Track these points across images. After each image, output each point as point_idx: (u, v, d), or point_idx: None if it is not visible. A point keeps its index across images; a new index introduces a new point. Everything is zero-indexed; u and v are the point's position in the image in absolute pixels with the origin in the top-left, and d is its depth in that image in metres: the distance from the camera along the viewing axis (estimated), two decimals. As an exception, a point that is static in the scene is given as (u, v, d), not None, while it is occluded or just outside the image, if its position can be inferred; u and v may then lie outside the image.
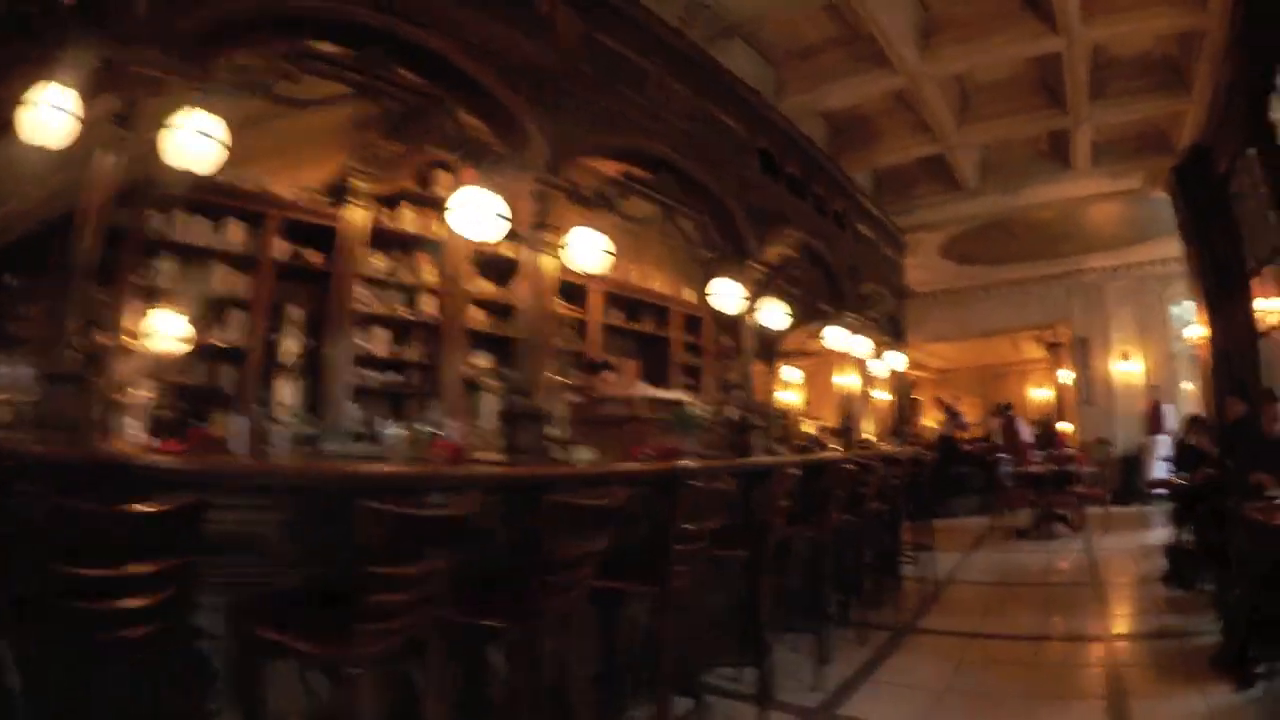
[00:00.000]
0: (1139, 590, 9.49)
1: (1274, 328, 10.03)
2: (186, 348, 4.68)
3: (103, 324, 3.87)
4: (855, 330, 9.93)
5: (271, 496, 3.43)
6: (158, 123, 4.05)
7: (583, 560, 3.46)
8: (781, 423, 10.07)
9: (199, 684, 3.03)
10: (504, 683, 3.57)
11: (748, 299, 7.41)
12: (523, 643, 3.35)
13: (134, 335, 4.05)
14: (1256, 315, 10.36)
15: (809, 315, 10.33)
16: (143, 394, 4.13)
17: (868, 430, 11.23)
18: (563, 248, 5.91)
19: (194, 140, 4.16)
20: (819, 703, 5.69)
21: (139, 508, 2.52)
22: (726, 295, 7.25)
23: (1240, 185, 10.38)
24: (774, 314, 8.25)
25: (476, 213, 5.02)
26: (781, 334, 11.38)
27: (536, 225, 5.23)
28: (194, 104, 4.13)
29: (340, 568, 2.77)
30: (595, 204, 6.28)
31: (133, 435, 3.93)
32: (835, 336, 9.61)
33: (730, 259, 7.40)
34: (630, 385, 9.31)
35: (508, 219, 5.16)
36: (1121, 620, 8.22)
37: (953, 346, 25.08)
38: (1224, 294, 11.35)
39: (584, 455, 5.35)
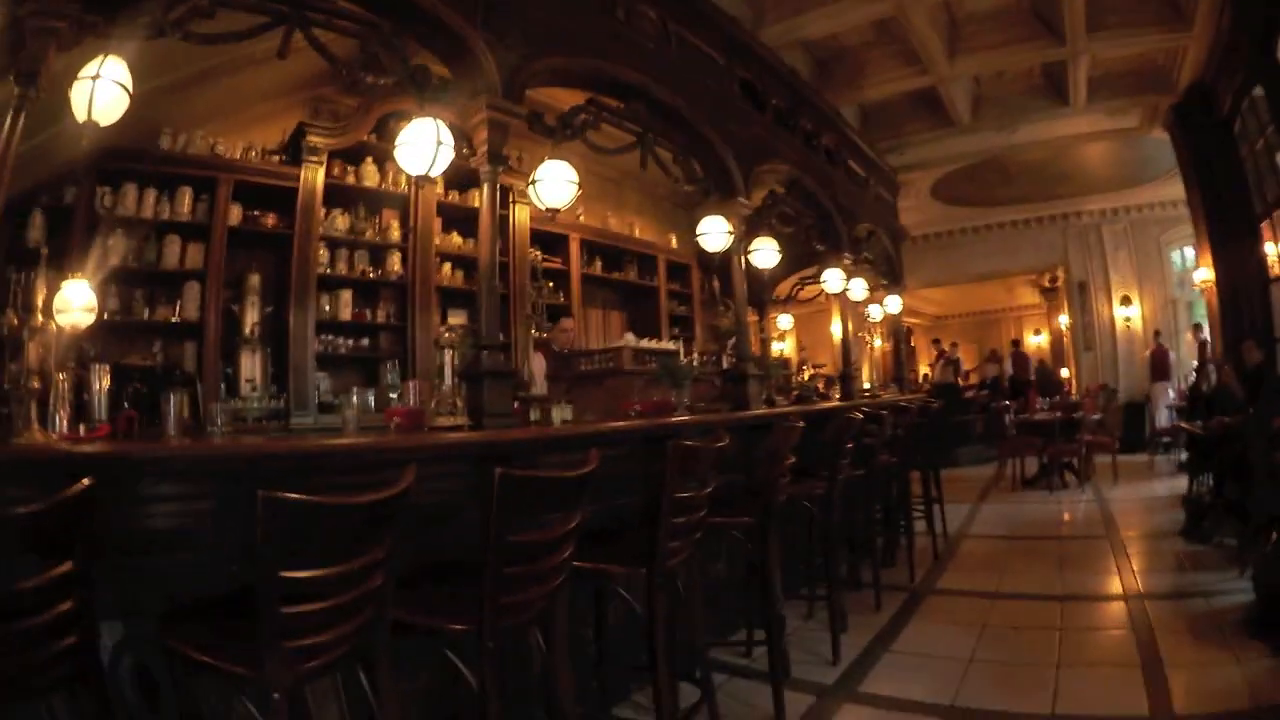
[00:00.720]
0: (1157, 544, 8.98)
1: None
2: (90, 319, 4.06)
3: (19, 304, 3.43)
4: (851, 272, 9.43)
5: (196, 483, 2.87)
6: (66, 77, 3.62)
7: (554, 544, 2.84)
8: (781, 372, 9.53)
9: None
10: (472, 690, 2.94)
11: (737, 237, 6.81)
12: (488, 645, 2.73)
13: (52, 313, 3.47)
14: (1269, 260, 10.17)
15: (803, 257, 9.92)
16: (61, 377, 3.54)
17: (869, 378, 10.79)
18: (529, 184, 5.31)
19: (104, 90, 3.64)
20: (836, 679, 5.21)
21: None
22: (714, 233, 6.63)
23: (1244, 126, 10.59)
24: (766, 253, 7.66)
25: (424, 148, 4.39)
26: (775, 279, 10.95)
27: (492, 157, 4.56)
28: (104, 53, 3.66)
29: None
30: (560, 134, 5.58)
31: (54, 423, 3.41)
32: (833, 279, 9.09)
33: (715, 194, 6.80)
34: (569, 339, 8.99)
35: (458, 151, 4.58)
36: (1144, 577, 7.62)
37: (946, 292, 24.96)
38: (1231, 238, 11.25)
39: (562, 415, 4.78)
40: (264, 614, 2.07)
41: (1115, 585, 7.40)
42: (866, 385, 10.44)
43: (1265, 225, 10.44)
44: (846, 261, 9.22)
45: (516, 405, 4.58)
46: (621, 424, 4.91)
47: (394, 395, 4.90)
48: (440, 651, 2.70)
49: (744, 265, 7.24)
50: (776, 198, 8.37)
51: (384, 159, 8.26)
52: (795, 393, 8.61)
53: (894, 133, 13.22)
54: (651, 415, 5.49)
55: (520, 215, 9.57)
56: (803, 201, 8.86)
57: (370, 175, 8.30)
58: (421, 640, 2.70)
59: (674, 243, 12.28)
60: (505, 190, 9.10)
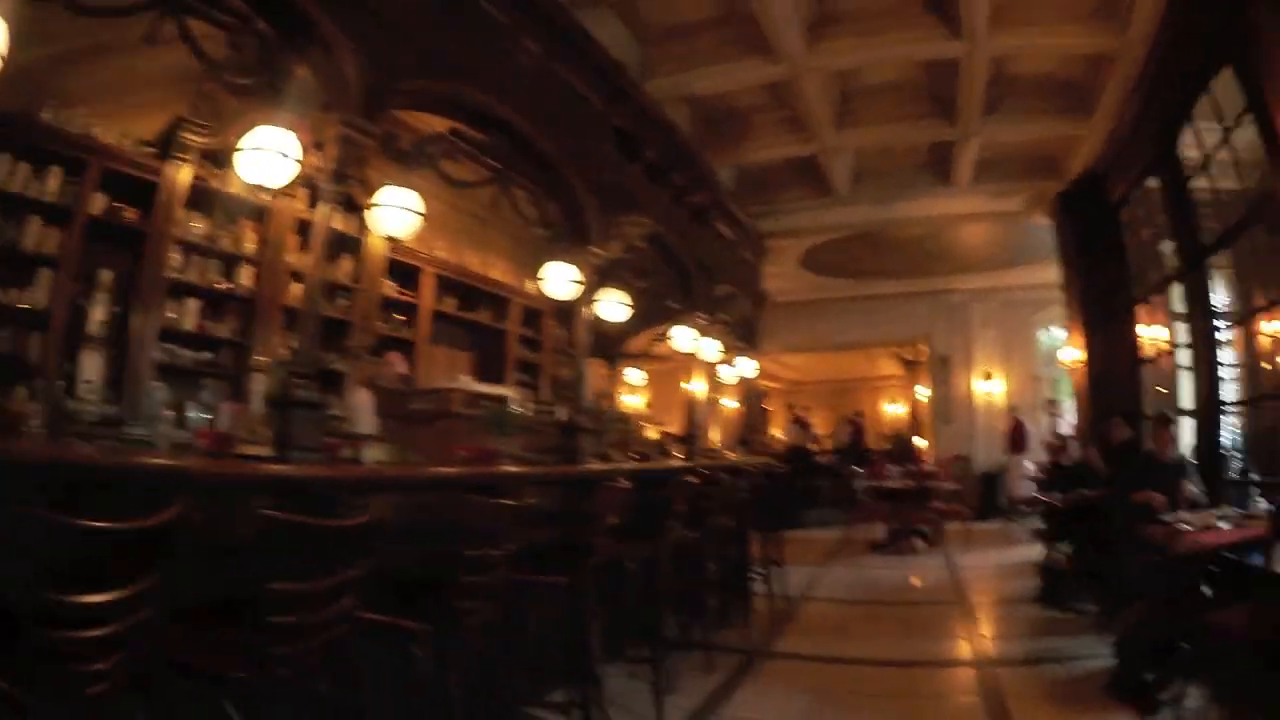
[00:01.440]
0: (1012, 610, 9.16)
1: (1162, 353, 10.21)
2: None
3: None
4: (705, 332, 9.33)
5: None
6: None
7: (328, 595, 2.64)
8: (620, 426, 9.46)
9: None
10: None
11: (585, 286, 6.66)
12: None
13: None
14: (1140, 341, 10.81)
15: (656, 313, 9.71)
16: None
17: (715, 439, 10.73)
18: (371, 207, 5.09)
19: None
20: (662, 742, 5.03)
21: None
22: (560, 280, 6.49)
23: (1132, 215, 10.99)
24: (613, 306, 7.48)
25: (268, 157, 4.17)
26: (626, 333, 10.86)
27: (337, 175, 4.35)
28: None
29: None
30: (413, 160, 5.40)
31: None
32: (683, 337, 9.00)
33: (569, 241, 6.63)
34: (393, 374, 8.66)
35: (301, 163, 4.37)
36: (998, 643, 7.73)
37: (806, 358, 25.25)
38: (1106, 319, 11.59)
39: (375, 455, 4.57)
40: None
41: (965, 650, 7.50)
42: (715, 445, 10.39)
43: (1141, 309, 10.86)
44: (701, 321, 9.15)
45: (332, 440, 4.37)
46: (426, 471, 4.71)
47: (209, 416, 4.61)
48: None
49: (591, 316, 7.12)
50: (634, 251, 8.29)
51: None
52: (640, 451, 8.47)
53: (769, 198, 13.20)
54: (476, 463, 5.33)
55: (377, 242, 9.18)
56: (663, 257, 8.81)
57: (237, 181, 7.61)
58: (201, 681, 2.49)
59: (529, 286, 12.07)
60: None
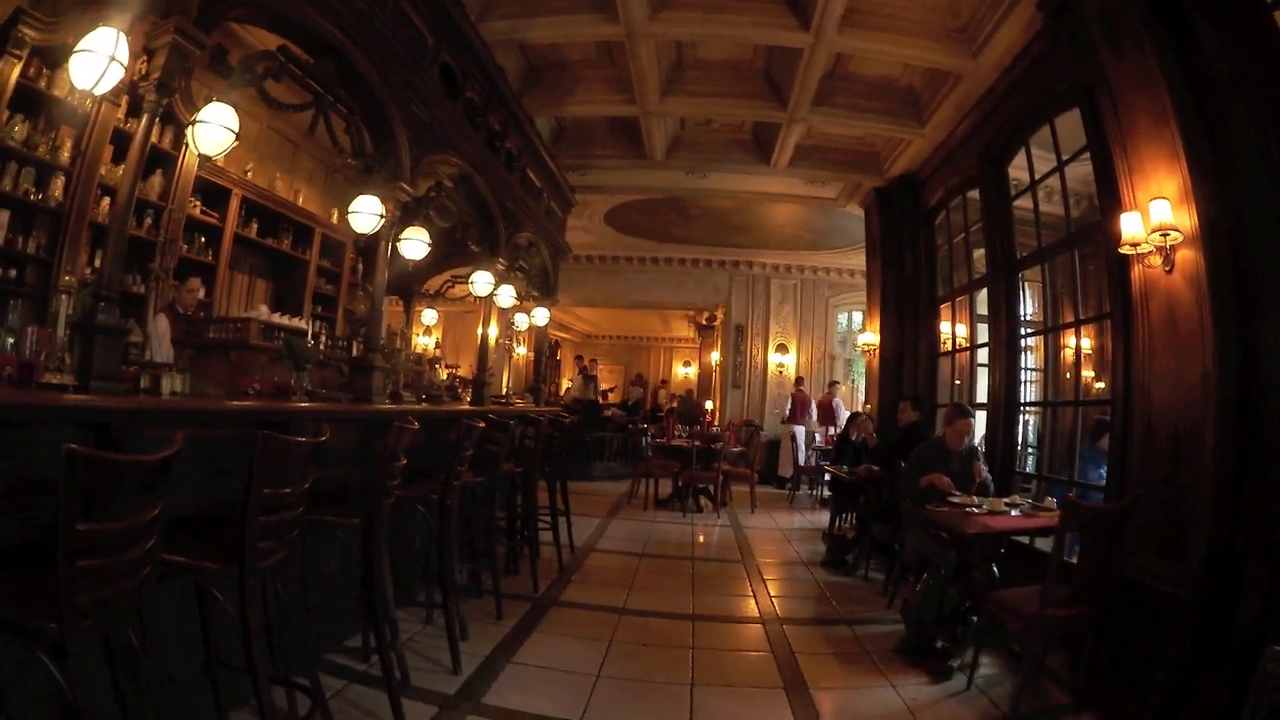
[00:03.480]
0: (796, 571, 9.49)
1: (960, 350, 10.85)
2: None
3: None
4: (503, 278, 9.33)
5: None
6: None
7: (134, 535, 2.49)
8: (409, 366, 9.29)
9: None
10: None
11: (390, 222, 6.52)
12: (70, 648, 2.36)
13: None
14: (941, 336, 11.55)
15: (455, 254, 9.80)
16: None
17: (506, 386, 10.73)
18: (194, 123, 4.80)
19: None
20: (458, 689, 5.08)
21: None
22: (366, 214, 6.29)
23: (948, 220, 11.53)
24: (416, 245, 7.48)
25: (97, 60, 3.88)
26: (423, 272, 10.77)
27: (161, 85, 4.10)
28: None
29: None
30: (239, 78, 5.16)
31: None
32: (481, 281, 8.93)
33: (380, 174, 6.42)
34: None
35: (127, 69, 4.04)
36: (783, 602, 8.00)
37: (601, 313, 25.80)
38: (906, 312, 12.31)
39: (173, 386, 4.38)
40: None
41: (752, 608, 7.70)
42: (504, 392, 10.38)
43: (945, 307, 11.49)
44: (500, 266, 9.10)
45: (130, 369, 4.16)
46: (223, 405, 4.50)
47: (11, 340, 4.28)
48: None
49: (390, 252, 6.99)
50: (441, 190, 8.16)
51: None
52: (432, 392, 8.42)
53: (583, 153, 13.05)
54: (269, 396, 5.22)
55: (190, 160, 8.81)
56: (468, 199, 8.71)
57: (64, 83, 7.10)
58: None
59: (335, 218, 11.72)
60: (179, 126, 8.14)
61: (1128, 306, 6.24)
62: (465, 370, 12.44)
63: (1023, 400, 9.27)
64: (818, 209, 15.94)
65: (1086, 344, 9.57)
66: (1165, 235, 5.52)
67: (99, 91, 4.08)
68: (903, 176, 12.30)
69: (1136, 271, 6.05)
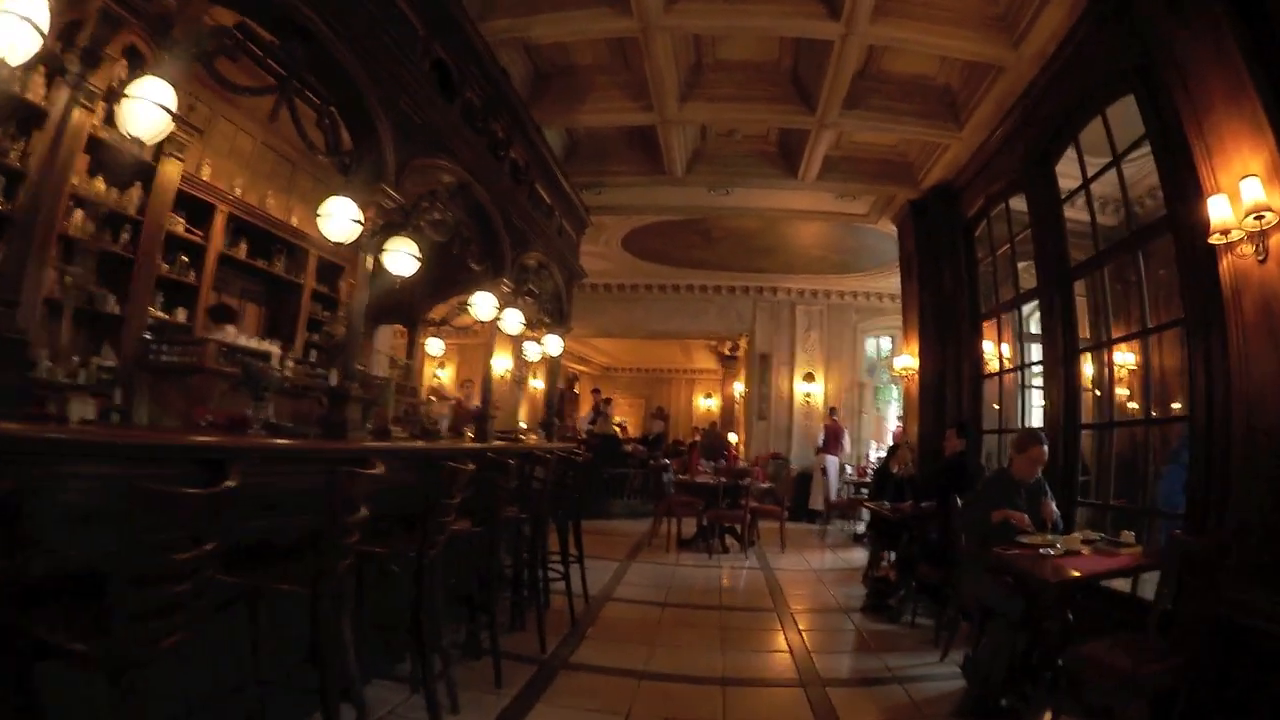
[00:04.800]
0: (837, 621, 8.63)
1: (1005, 370, 10.45)
2: None
3: None
4: (509, 302, 8.45)
5: None
6: None
7: None
8: (410, 399, 8.48)
9: None
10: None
11: (371, 230, 5.56)
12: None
13: None
14: (984, 357, 10.84)
15: (456, 274, 8.84)
16: None
17: (521, 420, 9.92)
18: (123, 98, 3.97)
19: None
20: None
21: None
22: (339, 218, 5.29)
23: (989, 231, 10.81)
24: (402, 258, 6.31)
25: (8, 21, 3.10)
26: (427, 296, 10.11)
27: (87, 54, 3.31)
28: None
29: None
30: (182, 50, 4.30)
31: None
32: (484, 303, 7.99)
33: (357, 174, 5.49)
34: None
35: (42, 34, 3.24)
36: (826, 659, 7.06)
37: (620, 344, 25.42)
38: (946, 332, 11.58)
39: (83, 413, 3.60)
40: None
41: (788, 666, 6.80)
42: (523, 425, 9.58)
43: (988, 324, 10.80)
44: (505, 288, 8.23)
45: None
46: (125, 437, 3.70)
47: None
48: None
49: (375, 268, 6.05)
50: (436, 199, 7.31)
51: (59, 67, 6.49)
52: (429, 428, 7.53)
53: (598, 169, 12.28)
54: (223, 429, 4.45)
55: (170, 170, 8.06)
56: (468, 212, 7.84)
57: (37, 86, 6.41)
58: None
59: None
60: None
61: (1214, 307, 5.48)
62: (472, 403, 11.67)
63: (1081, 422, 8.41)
64: (846, 228, 15.28)
65: (1131, 359, 9.17)
66: (1260, 218, 4.85)
67: (14, 62, 3.27)
68: (938, 186, 11.63)
69: (1225, 264, 5.30)
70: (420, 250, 6.41)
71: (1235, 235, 5.07)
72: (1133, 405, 9.27)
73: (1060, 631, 5.37)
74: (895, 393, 20.68)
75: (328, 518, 3.46)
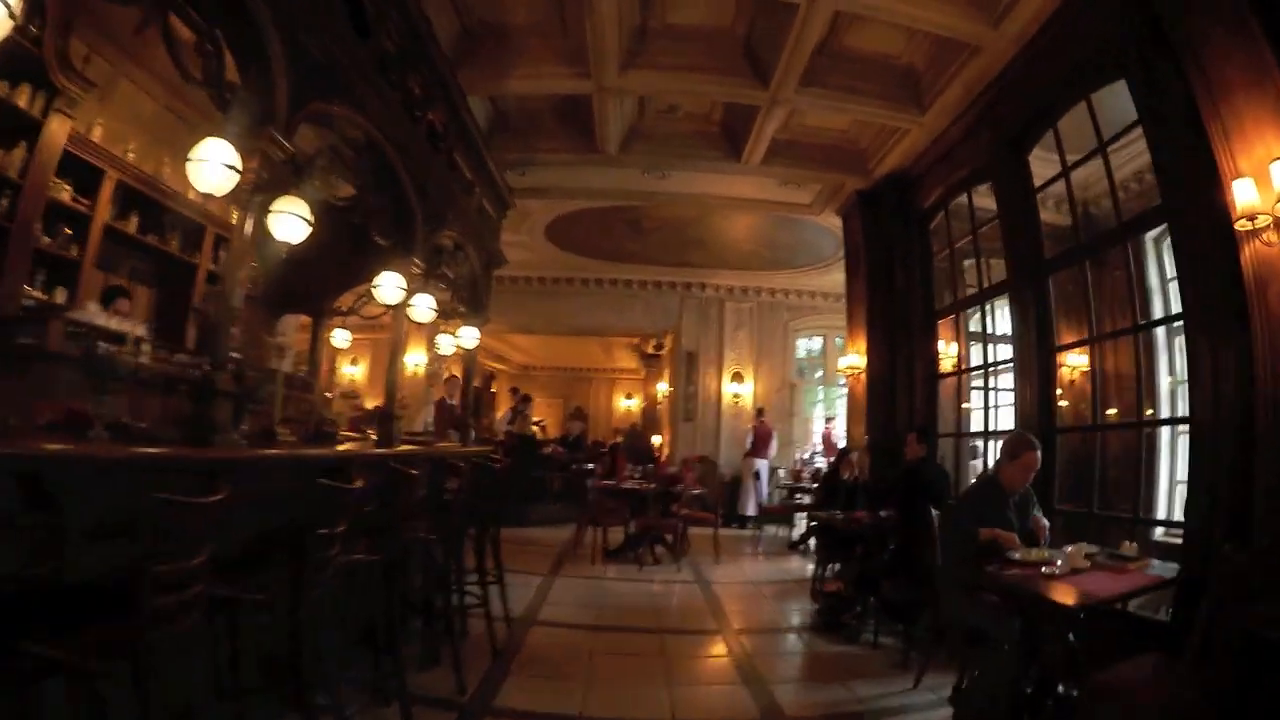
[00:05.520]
0: (790, 642, 7.88)
1: (958, 371, 10.23)
2: None
3: None
4: (420, 286, 7.36)
5: None
6: None
7: None
8: (267, 389, 7.37)
9: None
10: None
11: (249, 182, 4.42)
12: None
13: None
14: (939, 356, 10.51)
15: (365, 258, 7.71)
16: None
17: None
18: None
19: None
20: None
21: None
22: (213, 164, 4.21)
23: (946, 223, 10.49)
24: (290, 221, 5.22)
25: None
26: (331, 279, 9.19)
27: None
28: None
29: None
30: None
31: None
32: (390, 285, 6.83)
33: (240, 114, 4.40)
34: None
35: None
36: (788, 691, 6.17)
37: (539, 341, 24.86)
38: (900, 330, 11.21)
39: None
40: None
41: (746, 703, 5.85)
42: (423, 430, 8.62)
43: (944, 322, 10.46)
44: (416, 270, 7.14)
45: None
46: None
47: None
48: None
49: (254, 231, 4.74)
50: (339, 157, 6.24)
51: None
52: (327, 429, 6.46)
53: (525, 145, 11.26)
54: (60, 430, 3.51)
55: (57, 128, 6.92)
56: (375, 177, 6.77)
57: None
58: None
59: (234, 216, 9.76)
60: (52, 91, 6.66)
61: (1232, 299, 5.13)
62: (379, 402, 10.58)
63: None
64: (781, 222, 14.64)
65: (1085, 361, 8.76)
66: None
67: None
68: (891, 175, 11.15)
69: (1248, 253, 4.99)
70: (316, 218, 5.35)
71: (1262, 221, 4.83)
72: (1111, 411, 8.84)
73: (1064, 657, 4.89)
74: (824, 394, 20.62)
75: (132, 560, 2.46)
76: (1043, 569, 4.86)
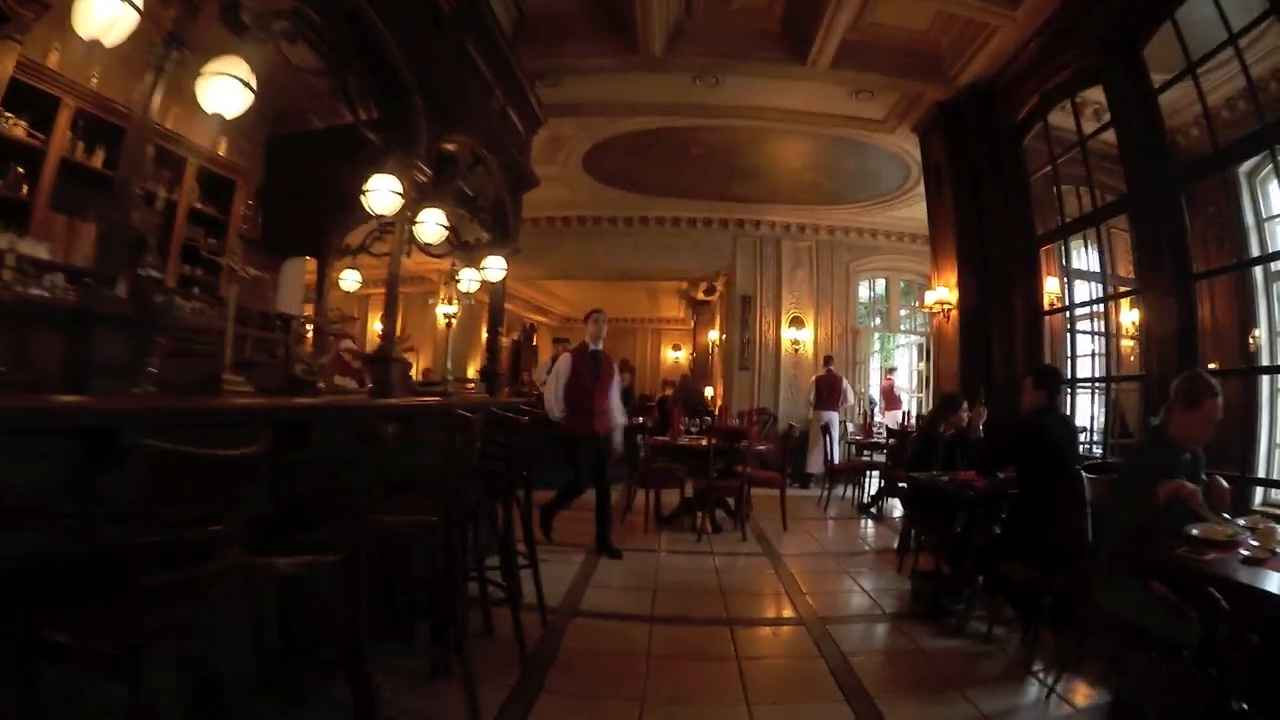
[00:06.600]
0: (887, 634, 6.52)
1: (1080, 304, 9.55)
2: None
3: None
4: (426, 196, 6.11)
5: None
6: None
7: None
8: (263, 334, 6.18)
9: None
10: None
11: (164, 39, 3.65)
12: None
13: None
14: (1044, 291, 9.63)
15: (357, 171, 6.19)
16: None
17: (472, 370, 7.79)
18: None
19: None
20: None
21: None
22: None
23: (1047, 135, 9.42)
24: (225, 87, 4.13)
25: None
26: (336, 217, 7.75)
27: None
28: None
29: None
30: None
31: None
32: (383, 190, 5.43)
33: None
34: None
35: None
36: (900, 705, 4.76)
37: (581, 290, 22.96)
38: (993, 260, 10.18)
39: None
40: None
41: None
42: (444, 377, 7.48)
43: (1047, 250, 9.60)
44: (420, 178, 5.81)
45: None
46: None
47: None
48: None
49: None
50: (303, 20, 4.84)
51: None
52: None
53: (554, 51, 9.82)
54: None
55: (4, 57, 5.96)
56: (361, 58, 5.47)
57: None
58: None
59: (222, 146, 8.47)
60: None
61: None
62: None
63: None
64: (843, 147, 13.20)
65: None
66: None
67: None
68: (975, 85, 9.94)
69: None
70: (310, 143, 4.14)
71: None
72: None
73: (1250, 666, 3.69)
74: (881, 344, 19.58)
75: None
76: (1238, 545, 3.80)
